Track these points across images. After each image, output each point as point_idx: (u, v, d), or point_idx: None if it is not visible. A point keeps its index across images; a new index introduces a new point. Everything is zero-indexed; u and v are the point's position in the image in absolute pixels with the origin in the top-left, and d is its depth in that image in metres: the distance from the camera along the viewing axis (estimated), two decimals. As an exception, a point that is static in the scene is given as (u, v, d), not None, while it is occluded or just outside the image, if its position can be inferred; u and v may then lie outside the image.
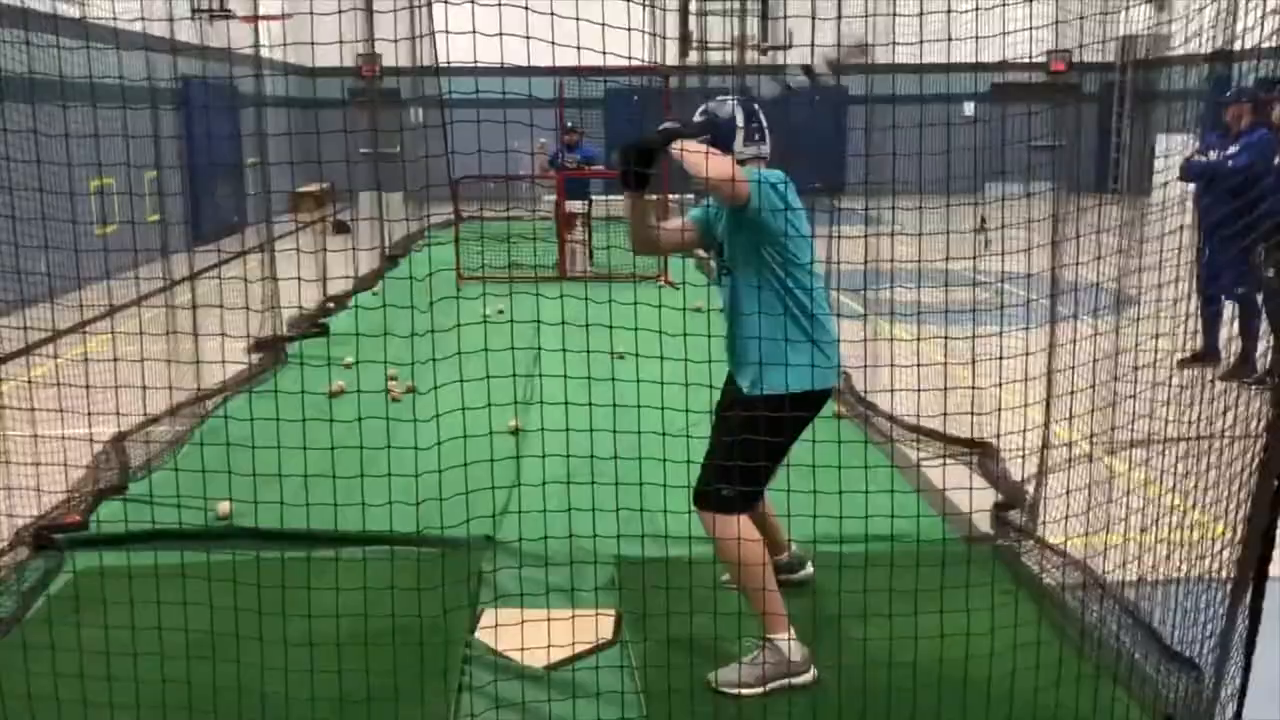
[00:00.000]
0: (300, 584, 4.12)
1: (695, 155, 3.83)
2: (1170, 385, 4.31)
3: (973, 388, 4.44)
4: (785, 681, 4.01)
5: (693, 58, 18.71)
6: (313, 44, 4.44)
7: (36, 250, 5.47)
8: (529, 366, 6.14)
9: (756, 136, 4.12)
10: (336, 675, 3.84)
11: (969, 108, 17.91)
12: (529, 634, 4.13)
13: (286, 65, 16.63)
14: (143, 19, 6.71)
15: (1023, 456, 5.53)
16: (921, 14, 4.08)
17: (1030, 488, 5.51)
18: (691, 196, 4.13)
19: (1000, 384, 4.62)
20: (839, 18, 4.59)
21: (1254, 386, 5.48)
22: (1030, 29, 4.47)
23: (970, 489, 4.89)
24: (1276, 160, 7.77)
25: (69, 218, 5.34)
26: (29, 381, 5.61)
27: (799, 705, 3.87)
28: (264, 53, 13.16)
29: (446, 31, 4.30)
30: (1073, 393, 4.87)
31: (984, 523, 5.44)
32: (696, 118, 4.16)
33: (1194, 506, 3.82)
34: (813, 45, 4.93)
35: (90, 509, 5.77)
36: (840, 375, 4.29)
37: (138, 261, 5.87)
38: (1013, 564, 5.01)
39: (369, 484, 4.37)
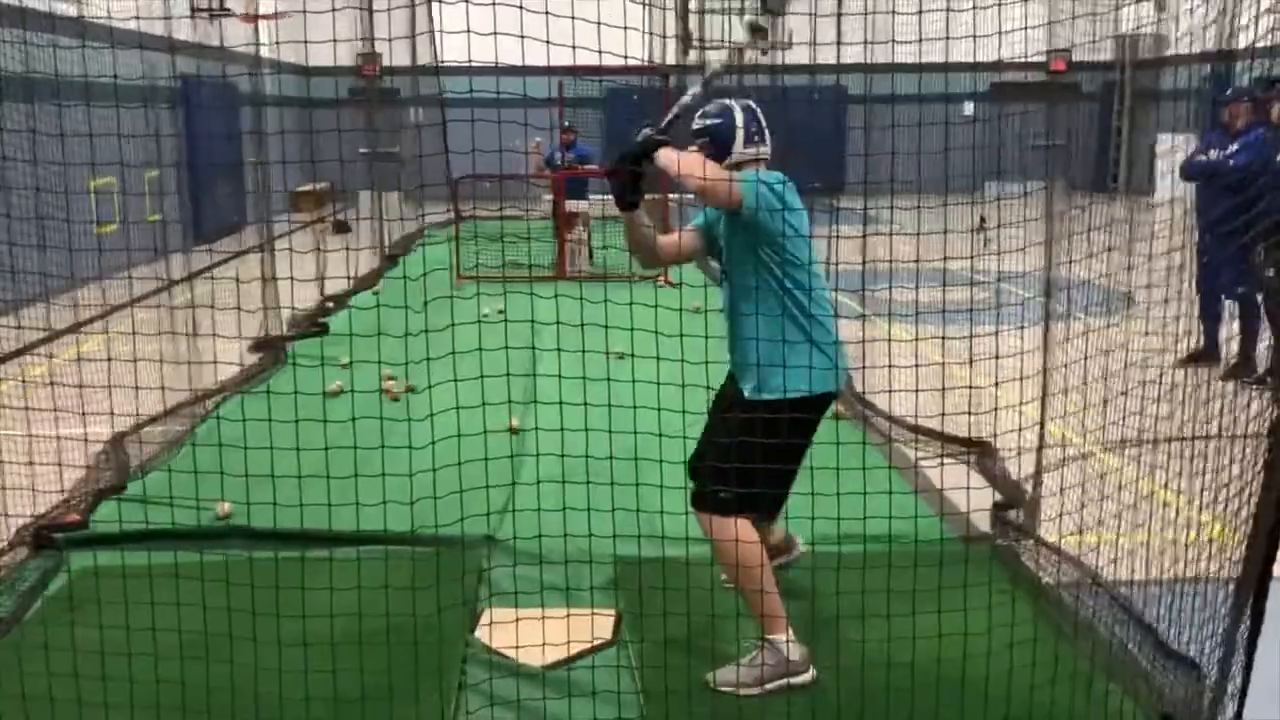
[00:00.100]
0: (300, 584, 4.12)
1: (684, 163, 3.83)
2: (1166, 384, 4.31)
3: (969, 387, 4.44)
4: (784, 682, 4.01)
5: (693, 57, 18.68)
6: (307, 43, 4.44)
7: (33, 250, 5.47)
8: (527, 366, 6.15)
9: (756, 138, 4.12)
10: (338, 674, 3.83)
11: (969, 107, 17.91)
12: (528, 633, 4.13)
13: (282, 64, 16.63)
14: (137, 18, 6.71)
15: (1018, 454, 5.54)
16: (920, 13, 4.07)
17: (1029, 486, 5.51)
18: (691, 196, 4.11)
19: (996, 382, 4.62)
20: (838, 15, 4.59)
21: (1254, 386, 5.49)
22: (1023, 29, 4.46)
23: (965, 488, 4.88)
24: (1276, 159, 7.76)
25: (67, 217, 5.35)
26: (23, 381, 5.60)
27: (797, 705, 3.87)
28: (263, 52, 13.17)
29: (443, 31, 4.29)
30: (1066, 391, 4.87)
31: (983, 522, 5.44)
32: (696, 121, 4.15)
33: (1189, 503, 3.82)
34: (813, 43, 4.93)
35: (90, 508, 5.77)
36: (844, 377, 4.27)
37: (131, 262, 5.87)
38: (1012, 563, 5.01)
39: (367, 484, 4.36)
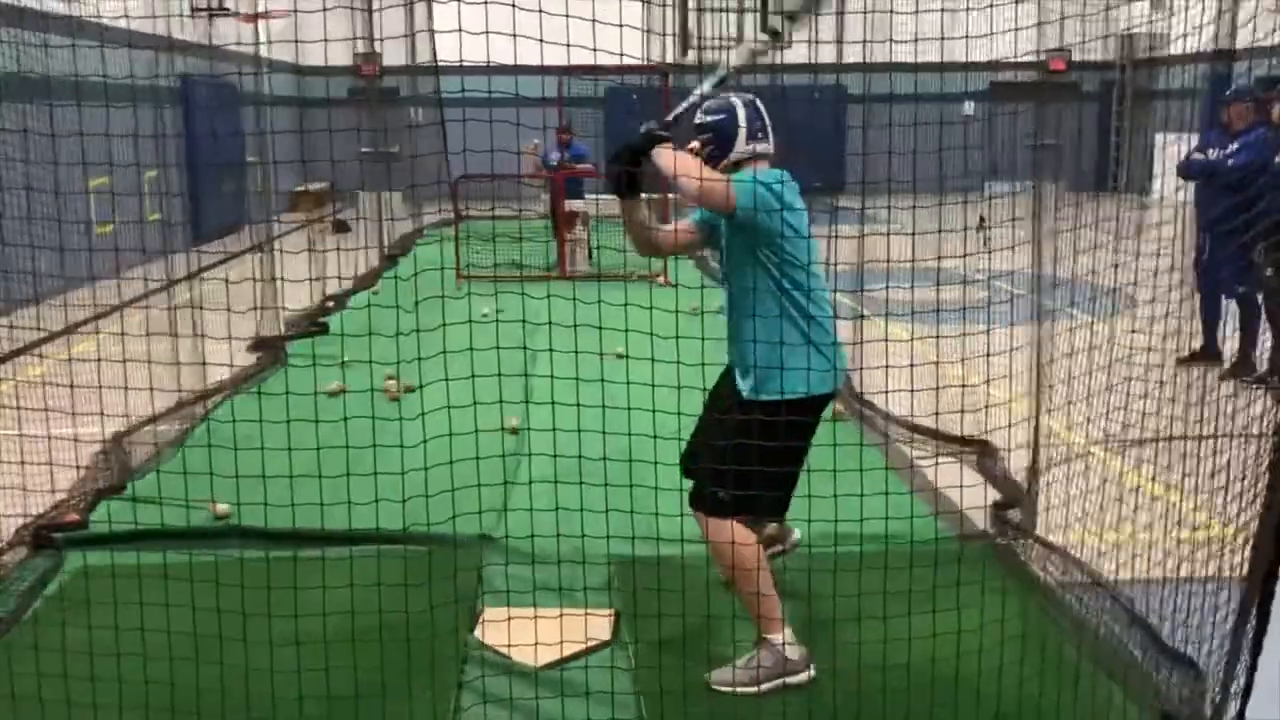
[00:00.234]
0: (300, 583, 4.12)
1: (679, 163, 3.81)
2: (1166, 383, 4.31)
3: (961, 385, 4.43)
4: (780, 682, 4.00)
5: (692, 56, 18.66)
6: (297, 42, 4.44)
7: (28, 250, 5.47)
8: (524, 366, 6.14)
9: (759, 134, 4.09)
10: (337, 672, 3.84)
11: (968, 107, 17.90)
12: (527, 632, 4.13)
13: (275, 63, 16.62)
14: (126, 16, 6.70)
15: (1009, 452, 5.53)
16: (917, 12, 4.07)
17: (1026, 485, 5.50)
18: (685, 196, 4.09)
19: (988, 380, 4.62)
20: (837, 13, 4.58)
21: (1254, 386, 5.48)
22: (1017, 29, 4.46)
23: (961, 486, 4.88)
24: (1276, 159, 7.76)
25: (65, 218, 5.34)
26: (15, 382, 5.60)
27: (794, 705, 3.86)
28: (262, 51, 13.18)
29: (438, 31, 4.29)
30: (1063, 384, 4.86)
31: (983, 522, 5.43)
32: (699, 117, 4.13)
33: (1185, 500, 3.81)
34: (813, 42, 4.92)
35: (90, 508, 5.77)
36: (842, 378, 4.26)
37: (129, 262, 5.86)
38: (1011, 563, 5.00)
39: (364, 483, 4.36)
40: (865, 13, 4.96)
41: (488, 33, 3.78)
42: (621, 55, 4.13)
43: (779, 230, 3.90)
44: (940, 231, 4.08)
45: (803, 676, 4.03)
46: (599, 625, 4.48)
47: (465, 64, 4.31)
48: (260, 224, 12.34)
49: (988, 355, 4.44)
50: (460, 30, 4.07)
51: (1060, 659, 3.95)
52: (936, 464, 5.12)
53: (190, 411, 7.31)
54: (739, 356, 4.10)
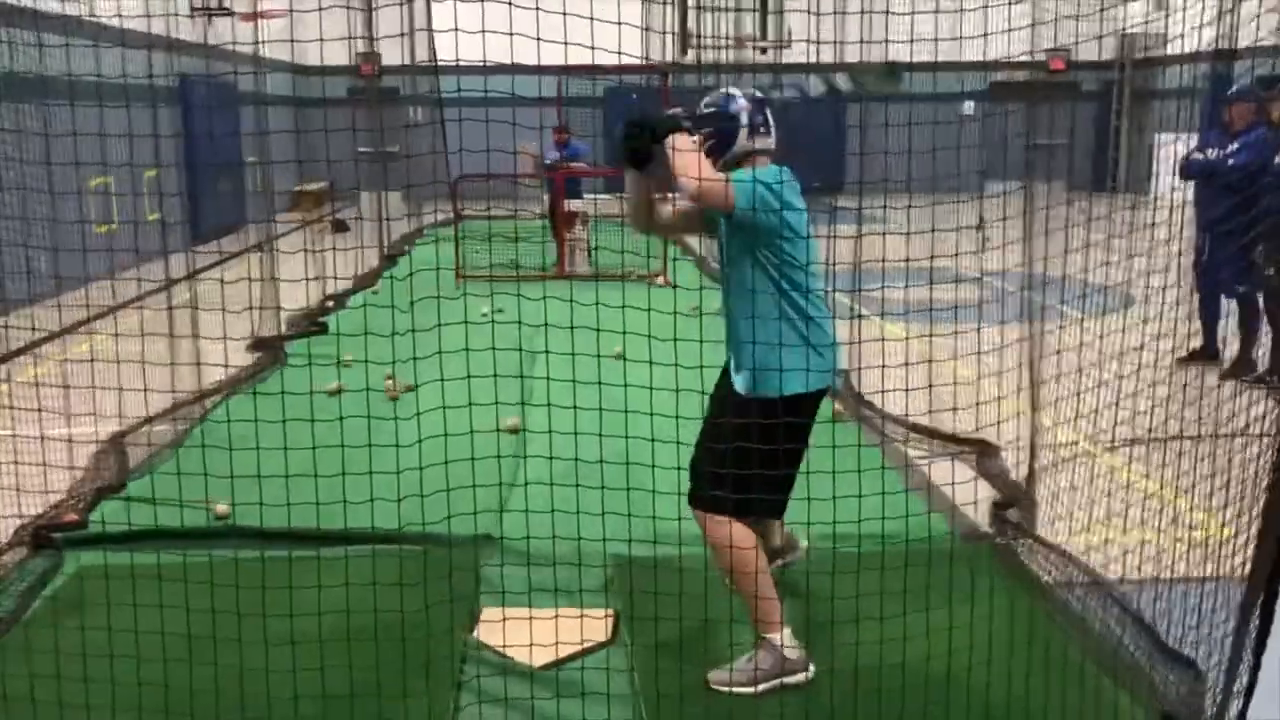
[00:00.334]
0: (299, 583, 4.12)
1: (682, 159, 3.78)
2: (1164, 383, 4.30)
3: (953, 383, 4.43)
4: (778, 681, 3.99)
5: (692, 55, 18.67)
6: (295, 42, 4.43)
7: (29, 250, 5.46)
8: (525, 366, 6.13)
9: (762, 130, 4.06)
10: (334, 671, 3.84)
11: (968, 106, 17.91)
12: (526, 633, 4.12)
13: (274, 62, 16.61)
14: (120, 15, 6.70)
15: (1009, 449, 5.53)
16: (913, 13, 4.06)
17: (1025, 483, 5.50)
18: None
19: (979, 377, 4.61)
20: (835, 13, 4.58)
21: (1254, 386, 5.46)
22: (1010, 30, 4.45)
23: (952, 483, 4.88)
24: (1276, 159, 7.76)
25: (67, 218, 5.34)
26: (13, 382, 5.60)
27: (792, 705, 3.86)
28: (261, 50, 13.16)
29: (436, 30, 4.28)
30: (1047, 381, 4.86)
31: (982, 521, 5.43)
32: (701, 110, 4.10)
33: (1181, 498, 3.81)
34: (813, 41, 4.91)
35: (89, 508, 5.76)
36: (835, 377, 4.24)
37: (127, 262, 5.86)
38: (1010, 562, 5.00)
39: (361, 482, 4.36)
40: (863, 13, 4.97)
41: (484, 31, 3.77)
42: (620, 54, 4.11)
43: (778, 230, 3.88)
44: (934, 231, 4.06)
45: (801, 677, 4.02)
46: (597, 626, 4.47)
47: (463, 63, 4.30)
48: (259, 224, 12.33)
49: (978, 353, 4.43)
50: (457, 29, 4.06)
51: (1060, 659, 3.95)
52: (931, 463, 5.11)
53: (189, 411, 7.31)
54: (736, 355, 4.09)
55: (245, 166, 17.95)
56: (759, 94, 4.14)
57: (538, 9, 3.68)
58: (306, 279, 7.08)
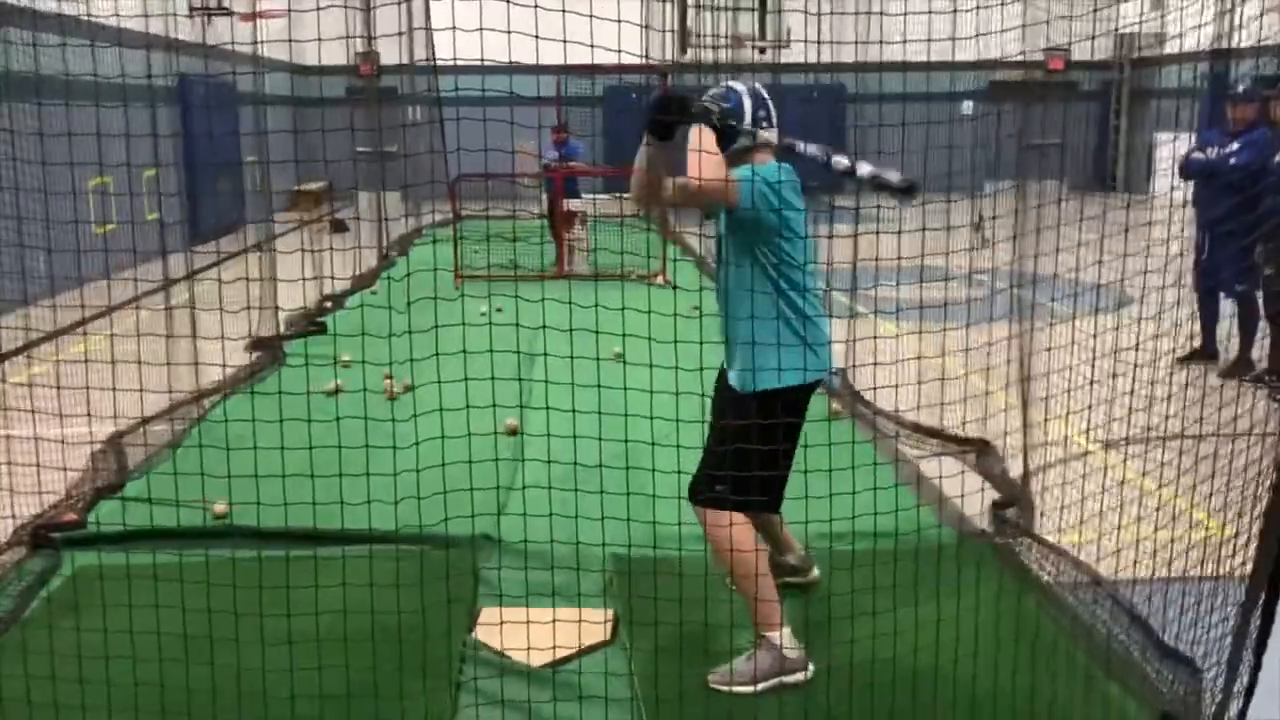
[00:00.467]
0: (297, 583, 4.11)
1: (694, 154, 3.75)
2: (1161, 382, 4.30)
3: (940, 378, 4.43)
4: (777, 681, 3.99)
5: (691, 54, 18.66)
6: (294, 41, 4.42)
7: (29, 250, 5.46)
8: (525, 366, 6.13)
9: (764, 123, 4.03)
10: (332, 671, 3.84)
11: (967, 106, 17.90)
12: (524, 633, 4.12)
13: (269, 61, 16.61)
14: (118, 15, 6.69)
15: (1005, 444, 5.52)
16: (906, 14, 4.06)
17: (1021, 482, 5.50)
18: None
19: (966, 373, 4.61)
20: (832, 13, 4.57)
21: (1253, 385, 5.44)
22: (1003, 30, 4.45)
23: (947, 479, 4.87)
24: (1277, 158, 7.75)
25: (69, 218, 5.33)
26: (11, 383, 5.59)
27: (791, 704, 3.85)
28: (259, 50, 13.16)
29: (435, 29, 4.28)
30: (1048, 380, 4.86)
31: (981, 520, 5.43)
32: (704, 103, 4.06)
33: (1180, 497, 3.81)
34: (812, 41, 4.90)
35: (88, 508, 5.76)
36: (830, 375, 4.23)
37: (124, 263, 5.85)
38: (1010, 561, 5.00)
39: (359, 483, 4.35)
40: (858, 13, 4.96)
41: (482, 29, 3.76)
42: (620, 52, 4.09)
43: (777, 229, 3.88)
44: (925, 229, 4.05)
45: (800, 676, 4.02)
46: (596, 626, 4.47)
47: (461, 62, 4.29)
48: (258, 223, 12.33)
49: (966, 349, 4.43)
50: (455, 28, 4.05)
51: (1059, 658, 3.95)
52: (929, 463, 5.11)
53: (188, 411, 7.30)
54: (732, 353, 4.08)
55: (244, 166, 17.95)
56: (760, 88, 4.12)
57: (536, 7, 3.67)
58: (304, 279, 7.08)
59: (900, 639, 3.83)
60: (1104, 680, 3.85)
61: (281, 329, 9.91)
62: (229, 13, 16.61)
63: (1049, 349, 5.03)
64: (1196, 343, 8.39)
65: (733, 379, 4.06)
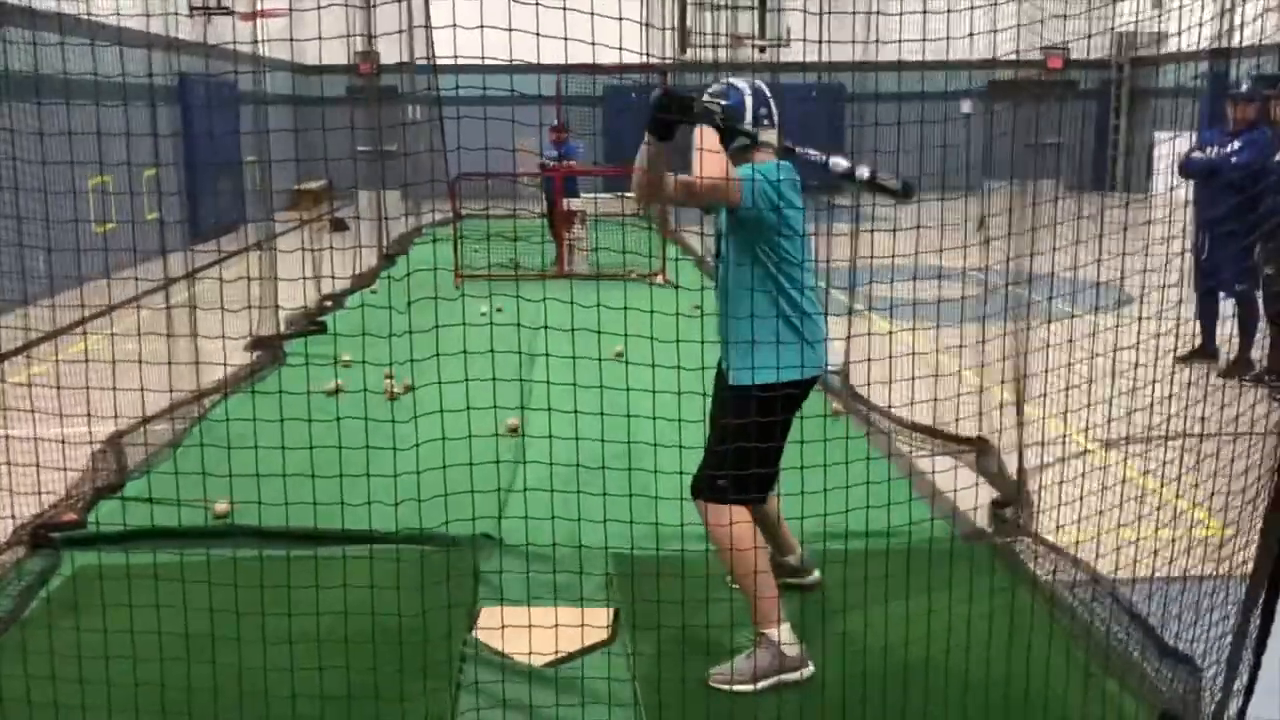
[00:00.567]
0: (296, 583, 4.11)
1: (700, 153, 3.74)
2: (1161, 381, 4.30)
3: (932, 371, 4.43)
4: (777, 678, 3.99)
5: (691, 53, 18.66)
6: (294, 41, 4.42)
7: (29, 250, 5.46)
8: (526, 365, 6.12)
9: (765, 121, 4.03)
10: (332, 671, 3.83)
11: (966, 105, 17.90)
12: (525, 632, 4.12)
13: (269, 61, 16.60)
14: (119, 14, 6.69)
15: (998, 447, 5.52)
16: (901, 14, 4.06)
17: (1018, 481, 5.50)
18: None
19: (959, 370, 4.61)
20: (829, 13, 4.57)
21: (1253, 385, 5.44)
22: (997, 30, 4.45)
23: (942, 473, 4.87)
24: (1277, 157, 7.75)
25: (69, 217, 5.33)
26: (10, 383, 5.59)
27: (791, 702, 3.85)
28: (260, 49, 13.16)
29: (435, 27, 4.27)
30: (1045, 379, 4.86)
31: (978, 518, 5.43)
32: (705, 100, 4.06)
33: (1179, 497, 3.80)
34: (812, 41, 4.89)
35: (88, 507, 5.76)
36: (826, 372, 4.23)
37: (124, 262, 5.84)
38: (1009, 559, 5.00)
39: (360, 483, 4.35)
40: (855, 13, 4.97)
41: (483, 27, 3.75)
42: (621, 50, 4.08)
43: (777, 228, 3.88)
44: (919, 227, 4.06)
45: (799, 674, 4.02)
46: (597, 624, 4.47)
47: (461, 60, 4.29)
48: (258, 222, 12.33)
49: (960, 346, 4.43)
50: (455, 25, 4.04)
51: (1059, 656, 3.94)
52: (930, 461, 5.11)
53: (188, 410, 7.30)
54: (730, 349, 4.08)
55: (244, 165, 17.94)
56: (763, 85, 4.11)
57: (537, 5, 3.67)
58: (305, 278, 7.08)
59: (901, 638, 3.83)
60: (1103, 679, 3.85)
61: (281, 328, 9.91)
62: (229, 12, 16.60)
63: (1047, 346, 5.03)
64: (1197, 342, 8.39)
65: (732, 375, 4.07)
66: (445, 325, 4.29)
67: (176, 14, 13.02)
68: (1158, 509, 4.21)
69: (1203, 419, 4.10)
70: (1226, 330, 8.39)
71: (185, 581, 3.96)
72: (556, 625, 4.21)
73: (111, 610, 3.96)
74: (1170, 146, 8.06)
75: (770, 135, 4.04)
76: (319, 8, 4.01)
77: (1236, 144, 8.20)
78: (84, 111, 5.30)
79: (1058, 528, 4.78)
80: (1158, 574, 3.95)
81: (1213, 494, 3.82)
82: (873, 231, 4.18)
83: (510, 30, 3.70)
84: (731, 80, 4.10)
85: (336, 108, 15.85)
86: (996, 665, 3.77)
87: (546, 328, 4.12)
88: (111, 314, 6.40)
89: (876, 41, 4.52)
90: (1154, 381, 4.32)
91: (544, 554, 4.84)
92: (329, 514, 4.49)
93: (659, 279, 12.22)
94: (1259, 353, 8.10)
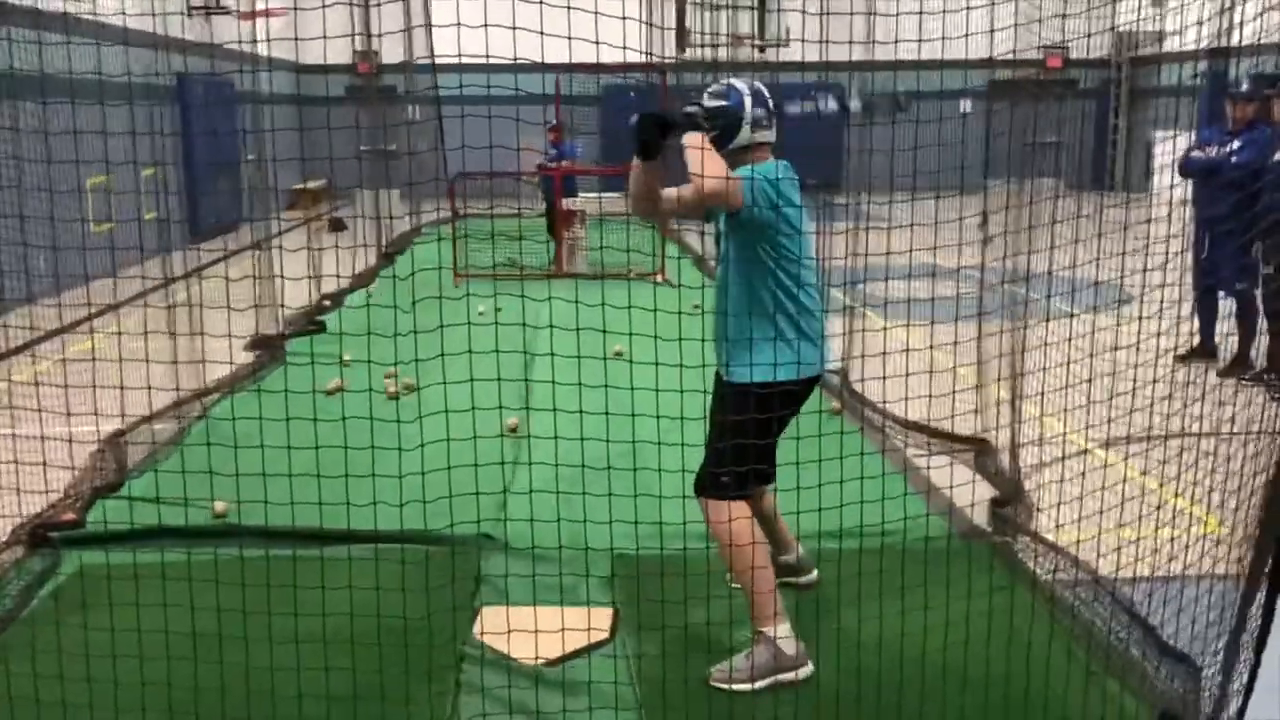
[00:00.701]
0: (299, 582, 4.12)
1: (696, 157, 3.74)
2: (1160, 380, 4.30)
3: (926, 368, 4.43)
4: (775, 677, 3.99)
5: (690, 53, 18.66)
6: (296, 40, 4.42)
7: (29, 249, 5.46)
8: (524, 366, 6.14)
9: (764, 121, 4.04)
10: (336, 671, 3.84)
11: (966, 105, 17.91)
12: (526, 631, 4.12)
13: (273, 61, 16.59)
14: (124, 14, 6.69)
15: (997, 447, 5.52)
16: (899, 14, 4.06)
17: (1017, 480, 5.50)
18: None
19: (954, 367, 4.61)
20: (828, 13, 4.57)
21: (1251, 384, 5.45)
22: (994, 30, 4.45)
23: (938, 470, 4.88)
24: (1277, 156, 7.75)
25: (69, 216, 5.33)
26: (9, 382, 5.59)
27: (790, 701, 3.86)
28: (260, 49, 13.18)
29: (435, 26, 4.27)
30: (1040, 373, 4.86)
31: (977, 517, 5.43)
32: (705, 100, 4.07)
33: (1179, 496, 3.81)
34: (815, 40, 4.90)
35: (87, 507, 5.76)
36: (824, 367, 4.24)
37: (126, 260, 5.84)
38: (1008, 558, 5.00)
39: (362, 483, 4.35)
40: (855, 13, 4.97)
41: (486, 25, 3.76)
42: (624, 48, 4.08)
43: (777, 227, 3.89)
44: (913, 225, 4.06)
45: (797, 673, 4.02)
46: (599, 623, 4.47)
47: (462, 58, 4.29)
48: (258, 222, 12.33)
49: (954, 342, 4.43)
50: (459, 24, 4.05)
51: (1053, 653, 3.95)
52: (929, 460, 5.11)
53: (188, 410, 7.30)
54: (731, 347, 4.08)
55: (243, 164, 17.94)
56: (762, 86, 4.12)
57: (541, 4, 3.67)
58: (306, 277, 7.09)
59: (900, 637, 3.83)
60: (1103, 678, 3.86)
61: (282, 327, 9.91)
62: (227, 11, 16.60)
63: (1045, 344, 5.04)
64: (1196, 340, 8.39)
65: (732, 373, 4.07)
66: (446, 325, 4.29)
67: (179, 13, 13.04)
68: (1157, 508, 4.21)
69: (1201, 418, 4.10)
70: (1225, 329, 8.39)
71: (185, 581, 3.96)
72: (560, 621, 4.22)
73: (110, 609, 3.96)
74: (1170, 145, 8.05)
75: (769, 135, 4.06)
76: (323, 6, 4.01)
77: (1236, 143, 8.20)
78: (82, 110, 5.30)
79: (1057, 527, 4.78)
80: (1157, 573, 3.96)
81: (1210, 493, 3.83)
82: (868, 229, 4.18)
83: (513, 28, 3.71)
84: (732, 81, 4.12)
85: (337, 107, 15.84)
86: (996, 664, 3.77)
87: (549, 327, 4.12)
88: (111, 313, 6.41)
89: (876, 42, 4.52)
90: (1154, 380, 4.32)
91: (545, 550, 4.85)
92: (334, 514, 4.49)
93: (659, 278, 12.22)
94: (1257, 352, 8.10)
